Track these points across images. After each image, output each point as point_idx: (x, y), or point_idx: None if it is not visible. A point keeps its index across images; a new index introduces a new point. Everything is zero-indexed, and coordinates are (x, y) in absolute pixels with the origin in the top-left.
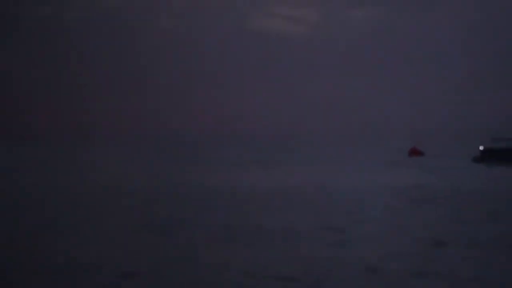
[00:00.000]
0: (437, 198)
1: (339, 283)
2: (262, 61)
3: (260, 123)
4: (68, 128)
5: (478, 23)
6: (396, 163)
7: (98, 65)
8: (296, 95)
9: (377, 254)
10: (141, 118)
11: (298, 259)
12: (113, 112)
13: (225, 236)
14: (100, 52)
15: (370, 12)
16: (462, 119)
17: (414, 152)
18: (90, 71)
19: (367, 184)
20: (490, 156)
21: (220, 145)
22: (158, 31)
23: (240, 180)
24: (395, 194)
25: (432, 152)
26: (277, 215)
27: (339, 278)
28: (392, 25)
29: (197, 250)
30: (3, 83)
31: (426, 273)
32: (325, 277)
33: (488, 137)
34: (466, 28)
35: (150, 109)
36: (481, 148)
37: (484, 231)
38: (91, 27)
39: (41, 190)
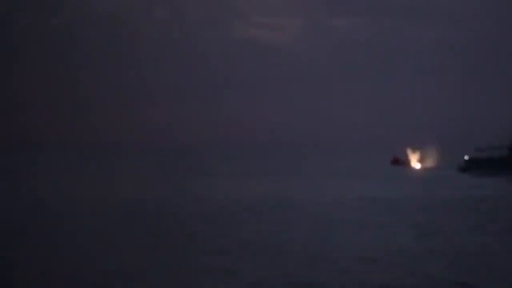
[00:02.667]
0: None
1: None
2: (246, 70)
3: (242, 131)
4: (64, 137)
5: (463, 36)
6: (380, 173)
7: (84, 74)
8: (279, 104)
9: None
10: (122, 128)
11: None
12: (97, 123)
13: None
14: (84, 62)
15: (352, 22)
16: (446, 128)
17: (397, 161)
18: (75, 81)
19: (350, 196)
20: (475, 166)
21: (205, 153)
22: (140, 40)
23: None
24: (379, 205)
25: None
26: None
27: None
28: (374, 35)
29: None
30: None
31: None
32: None
33: (472, 146)
34: (451, 41)
35: (127, 119)
36: (466, 157)
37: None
38: (70, 35)
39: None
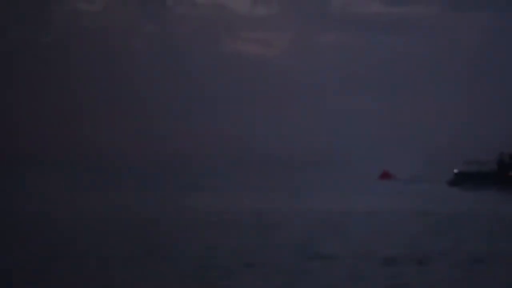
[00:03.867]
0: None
1: None
2: (235, 83)
3: (230, 145)
4: (56, 151)
5: (450, 48)
6: (367, 187)
7: (73, 88)
8: (266, 118)
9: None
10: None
11: None
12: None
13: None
14: (73, 75)
15: (341, 37)
16: (434, 142)
17: (386, 175)
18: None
19: (342, 209)
20: (465, 179)
21: (190, 167)
22: (130, 53)
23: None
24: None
25: (404, 175)
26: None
27: None
28: (363, 50)
29: None
30: None
31: None
32: None
33: (461, 160)
34: (439, 54)
35: (116, 135)
36: (455, 171)
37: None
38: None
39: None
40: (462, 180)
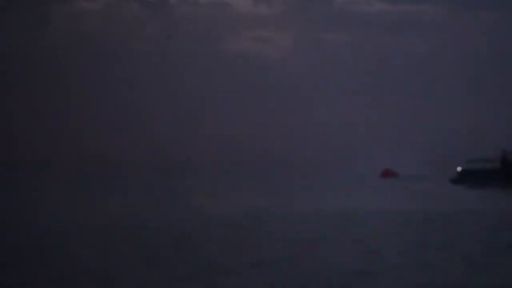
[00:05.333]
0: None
1: None
2: (237, 83)
3: (232, 146)
4: (59, 156)
5: (453, 46)
6: (370, 186)
7: (74, 91)
8: (270, 117)
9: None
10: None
11: None
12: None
13: None
14: (77, 76)
15: (345, 36)
16: (436, 140)
17: (387, 173)
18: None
19: (346, 209)
20: (468, 178)
21: (191, 170)
22: (130, 55)
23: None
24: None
25: (407, 173)
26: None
27: None
28: (367, 49)
29: None
30: None
31: None
32: None
33: (464, 158)
34: (439, 52)
35: (123, 136)
36: (458, 169)
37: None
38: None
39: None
40: (466, 178)
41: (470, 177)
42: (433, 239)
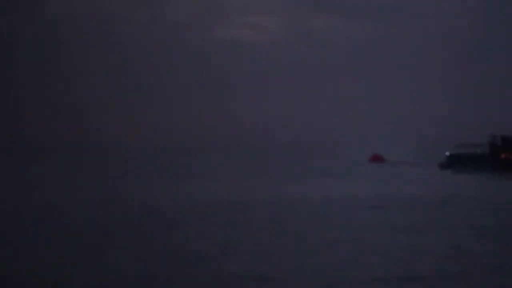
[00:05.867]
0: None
1: None
2: (227, 70)
3: (224, 132)
4: (57, 139)
5: (441, 32)
6: (358, 172)
7: (67, 76)
8: (259, 104)
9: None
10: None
11: None
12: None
13: None
14: (65, 63)
15: (335, 22)
16: (424, 125)
17: (376, 159)
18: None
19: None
20: (457, 162)
21: (184, 155)
22: (118, 42)
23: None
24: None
25: (395, 158)
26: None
27: None
28: (357, 34)
29: None
30: None
31: None
32: None
33: (453, 143)
34: (432, 38)
35: (111, 121)
36: (447, 153)
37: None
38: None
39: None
40: (454, 162)
41: (459, 162)
42: (415, 223)
